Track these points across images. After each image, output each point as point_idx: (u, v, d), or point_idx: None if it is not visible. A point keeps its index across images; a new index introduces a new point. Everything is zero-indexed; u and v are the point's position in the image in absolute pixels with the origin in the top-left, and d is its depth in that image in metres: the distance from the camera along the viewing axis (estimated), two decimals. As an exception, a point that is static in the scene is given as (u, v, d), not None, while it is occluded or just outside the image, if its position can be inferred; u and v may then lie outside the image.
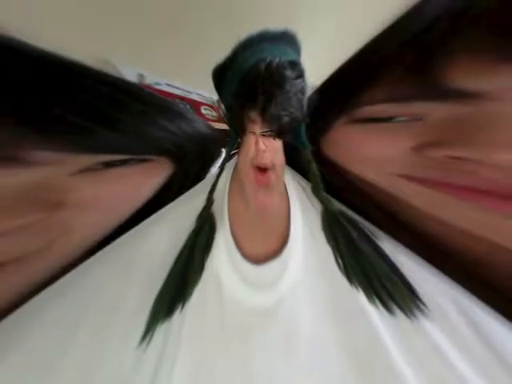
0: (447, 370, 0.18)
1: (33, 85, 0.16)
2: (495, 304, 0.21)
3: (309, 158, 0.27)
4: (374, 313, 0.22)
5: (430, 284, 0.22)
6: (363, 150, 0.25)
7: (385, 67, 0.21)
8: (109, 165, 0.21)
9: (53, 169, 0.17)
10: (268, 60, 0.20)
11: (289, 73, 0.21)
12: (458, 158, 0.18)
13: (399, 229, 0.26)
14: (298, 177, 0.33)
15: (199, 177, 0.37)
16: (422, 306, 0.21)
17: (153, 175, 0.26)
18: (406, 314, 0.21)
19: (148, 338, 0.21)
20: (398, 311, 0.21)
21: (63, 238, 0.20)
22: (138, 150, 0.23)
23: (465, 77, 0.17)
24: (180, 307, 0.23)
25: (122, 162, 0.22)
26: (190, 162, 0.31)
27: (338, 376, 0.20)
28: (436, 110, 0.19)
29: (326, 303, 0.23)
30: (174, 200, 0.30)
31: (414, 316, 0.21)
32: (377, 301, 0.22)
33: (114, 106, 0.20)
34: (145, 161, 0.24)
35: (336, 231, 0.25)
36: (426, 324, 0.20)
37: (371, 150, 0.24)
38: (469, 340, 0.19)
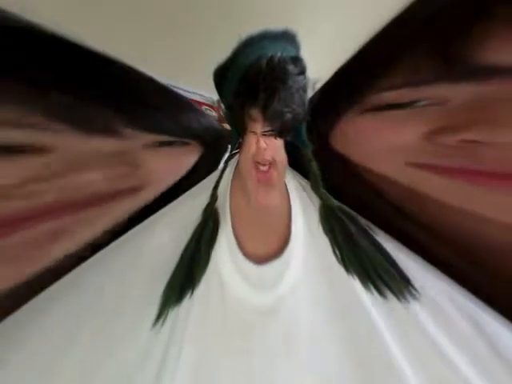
0: (449, 370, 0.18)
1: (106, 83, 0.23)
2: (499, 296, 0.21)
3: (309, 157, 0.27)
4: (372, 307, 0.22)
5: (428, 282, 0.23)
6: (375, 140, 0.24)
7: (404, 49, 0.20)
8: (161, 144, 0.29)
9: (132, 141, 0.25)
10: (270, 55, 0.20)
11: (291, 68, 0.20)
12: (474, 142, 0.18)
13: (406, 221, 0.26)
14: (299, 176, 0.34)
15: (216, 163, 0.44)
16: (413, 291, 0.22)
17: (190, 155, 0.35)
18: (398, 298, 0.21)
19: (161, 321, 0.21)
20: (391, 296, 0.22)
21: (139, 191, 0.27)
22: (181, 133, 0.31)
23: (493, 52, 0.16)
24: (189, 293, 0.23)
25: (170, 143, 0.30)
26: (211, 149, 0.38)
27: (338, 374, 0.20)
28: (460, 93, 0.18)
29: (325, 301, 0.23)
30: (198, 179, 0.35)
31: (406, 300, 0.21)
32: (372, 288, 0.22)
33: (160, 100, 0.29)
34: (185, 144, 0.33)
35: (333, 224, 0.25)
36: (421, 315, 0.21)
37: (384, 139, 0.23)
38: (468, 337, 0.19)
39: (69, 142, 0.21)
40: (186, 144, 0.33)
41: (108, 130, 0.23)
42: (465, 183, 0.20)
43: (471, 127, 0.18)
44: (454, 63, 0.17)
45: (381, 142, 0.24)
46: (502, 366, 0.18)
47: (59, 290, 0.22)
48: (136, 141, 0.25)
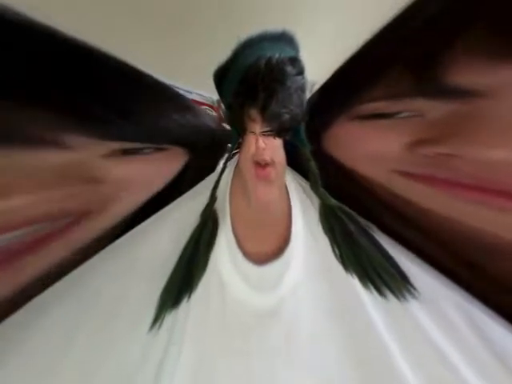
0: (448, 371, 0.18)
1: (59, 74, 0.18)
2: (498, 300, 0.21)
3: (308, 156, 0.27)
4: (372, 308, 0.22)
5: (427, 282, 0.23)
6: (363, 146, 0.25)
7: (386, 64, 0.21)
8: (127, 152, 0.24)
9: (85, 152, 0.21)
10: (268, 56, 0.20)
11: (289, 69, 0.21)
12: (448, 155, 0.19)
13: (402, 224, 0.27)
14: (299, 177, 0.34)
15: (212, 168, 0.38)
16: (413, 291, 0.22)
17: (169, 163, 0.30)
18: (398, 298, 0.22)
19: (158, 324, 0.21)
20: (390, 296, 0.22)
21: (101, 209, 0.23)
22: (151, 139, 0.25)
23: (464, 75, 0.17)
24: (187, 297, 0.23)
25: (138, 150, 0.25)
26: (201, 153, 0.33)
27: (338, 375, 0.20)
28: (436, 108, 0.19)
29: (325, 302, 0.23)
30: (188, 188, 0.32)
31: (405, 299, 0.21)
32: (371, 287, 0.22)
33: (128, 98, 0.22)
34: (160, 150, 0.27)
35: (333, 223, 0.25)
36: (420, 315, 0.21)
37: (370, 146, 0.24)
38: (468, 338, 0.19)
39: None
40: (163, 149, 0.28)
41: (45, 141, 0.18)
42: (444, 193, 0.21)
43: (446, 141, 0.19)
44: (428, 81, 0.18)
45: (367, 148, 0.25)
46: (500, 367, 0.18)
47: (58, 292, 0.22)
48: (90, 151, 0.21)
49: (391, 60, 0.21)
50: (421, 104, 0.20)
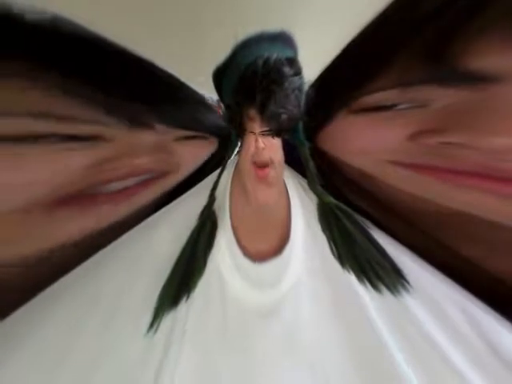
0: (446, 366, 0.19)
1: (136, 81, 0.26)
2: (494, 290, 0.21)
3: (306, 155, 0.27)
4: (371, 305, 0.22)
5: (424, 278, 0.23)
6: (363, 139, 0.25)
7: (392, 51, 0.20)
8: (186, 138, 0.34)
9: (165, 136, 0.30)
10: (265, 57, 0.20)
11: (287, 69, 0.21)
12: (453, 144, 0.19)
13: (396, 221, 0.27)
14: (298, 176, 0.34)
15: (223, 157, 0.45)
16: (406, 285, 0.22)
17: (207, 148, 0.40)
18: (392, 292, 0.22)
19: (155, 325, 0.21)
20: (385, 290, 0.22)
21: (169, 173, 0.33)
22: (201, 129, 0.36)
23: (477, 59, 0.16)
24: (185, 298, 0.23)
25: (192, 137, 0.35)
26: (222, 144, 0.43)
27: (340, 374, 0.20)
28: (443, 96, 0.19)
29: (325, 299, 0.24)
30: (210, 172, 0.39)
31: (399, 293, 0.22)
32: (366, 281, 0.23)
33: (187, 100, 0.34)
34: (202, 138, 0.38)
35: (331, 221, 0.26)
36: (419, 312, 0.21)
37: (370, 139, 0.24)
38: (465, 333, 0.20)
39: (122, 134, 0.26)
40: (205, 138, 0.38)
41: (148, 126, 0.28)
42: (447, 182, 0.20)
43: (450, 130, 0.18)
44: (440, 67, 0.18)
45: (368, 140, 0.24)
46: (498, 362, 0.18)
47: (60, 289, 0.23)
48: (169, 135, 0.31)
49: (397, 47, 0.20)
50: (429, 92, 0.19)
